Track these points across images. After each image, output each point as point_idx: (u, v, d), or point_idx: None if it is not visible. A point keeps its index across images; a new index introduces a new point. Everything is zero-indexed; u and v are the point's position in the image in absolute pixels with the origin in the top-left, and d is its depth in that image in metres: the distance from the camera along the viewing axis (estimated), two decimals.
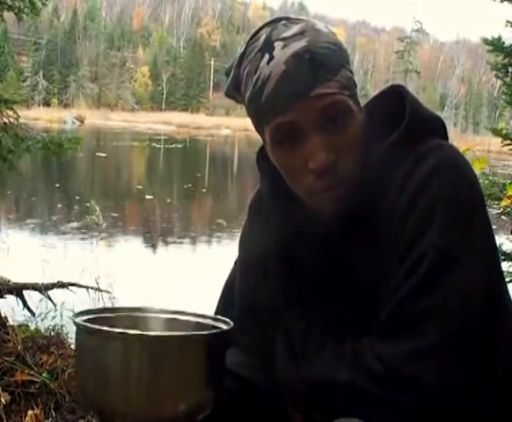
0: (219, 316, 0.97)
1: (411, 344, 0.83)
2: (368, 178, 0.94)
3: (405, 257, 0.88)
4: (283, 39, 0.91)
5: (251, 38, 0.96)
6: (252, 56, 0.93)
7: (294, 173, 0.95)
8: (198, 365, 0.84)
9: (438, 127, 0.99)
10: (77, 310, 0.93)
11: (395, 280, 0.88)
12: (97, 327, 0.84)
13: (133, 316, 1.01)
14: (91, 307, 1.08)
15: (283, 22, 0.94)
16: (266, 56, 0.91)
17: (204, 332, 0.89)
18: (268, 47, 0.91)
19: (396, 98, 1.00)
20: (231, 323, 0.93)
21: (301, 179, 0.94)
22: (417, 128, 0.95)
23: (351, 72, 0.95)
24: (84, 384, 0.87)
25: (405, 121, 0.95)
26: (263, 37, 0.93)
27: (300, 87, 0.88)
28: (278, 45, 0.90)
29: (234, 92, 1.00)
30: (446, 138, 0.99)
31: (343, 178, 0.92)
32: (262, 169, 1.06)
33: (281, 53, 0.90)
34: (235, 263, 1.17)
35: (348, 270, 0.96)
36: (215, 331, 0.92)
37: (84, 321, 0.89)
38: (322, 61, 0.89)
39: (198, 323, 0.98)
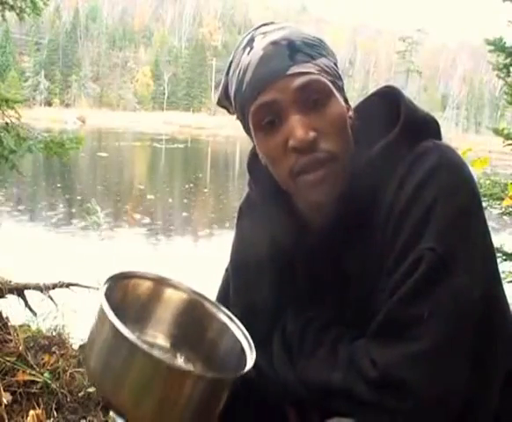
0: (245, 332, 0.98)
1: (405, 349, 0.83)
2: (359, 179, 0.93)
3: (402, 259, 0.86)
4: (263, 32, 0.95)
5: (237, 46, 0.99)
6: (236, 58, 0.97)
7: (276, 156, 0.94)
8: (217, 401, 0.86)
9: (433, 128, 0.98)
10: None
11: (391, 282, 0.87)
12: (133, 341, 0.80)
13: (156, 288, 1.02)
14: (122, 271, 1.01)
15: (267, 24, 0.98)
16: (247, 49, 0.94)
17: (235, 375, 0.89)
18: (250, 42, 0.95)
19: (388, 99, 1.00)
20: (254, 348, 0.94)
21: (283, 161, 0.93)
22: (413, 129, 0.94)
23: (336, 65, 0.97)
24: (97, 373, 0.85)
25: (400, 122, 0.95)
26: (247, 38, 0.97)
27: (277, 66, 0.91)
28: (258, 38, 0.94)
29: (225, 101, 1.03)
30: (440, 138, 0.98)
31: (325, 158, 0.91)
32: (254, 173, 1.07)
33: (260, 42, 0.93)
34: (226, 270, 1.16)
35: (342, 270, 0.96)
36: (245, 370, 0.90)
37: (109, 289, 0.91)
38: (300, 46, 0.92)
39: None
